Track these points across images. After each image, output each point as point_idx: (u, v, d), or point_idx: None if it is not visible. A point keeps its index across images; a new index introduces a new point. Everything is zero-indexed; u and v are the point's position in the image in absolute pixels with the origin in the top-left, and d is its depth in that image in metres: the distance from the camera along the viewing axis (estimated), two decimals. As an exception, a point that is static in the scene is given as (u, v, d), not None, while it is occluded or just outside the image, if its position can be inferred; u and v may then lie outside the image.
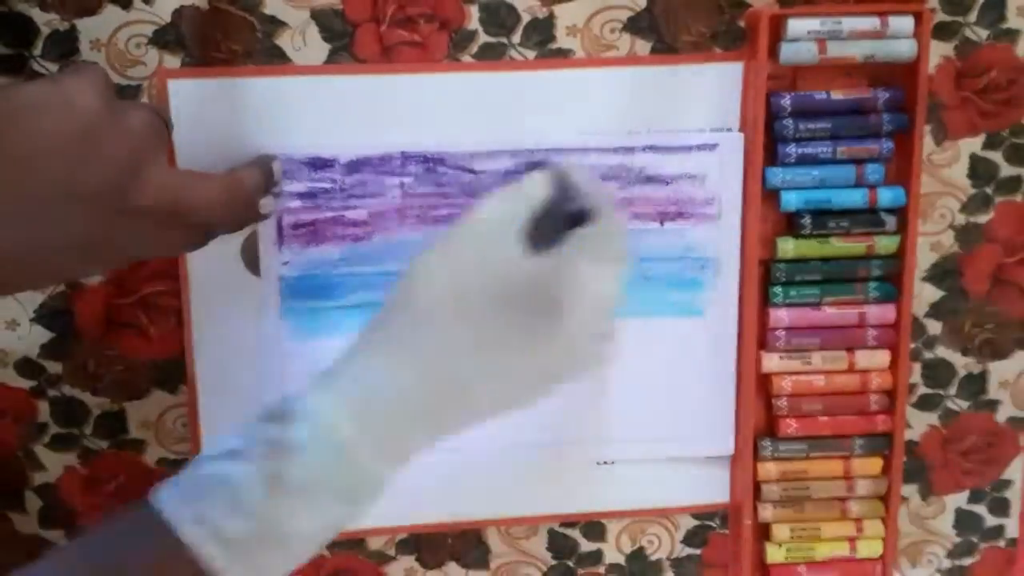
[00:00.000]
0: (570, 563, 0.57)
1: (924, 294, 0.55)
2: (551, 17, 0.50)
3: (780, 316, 0.53)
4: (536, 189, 0.46)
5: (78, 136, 0.37)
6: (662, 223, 0.52)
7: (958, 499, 0.59)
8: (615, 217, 0.46)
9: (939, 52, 0.52)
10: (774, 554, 0.56)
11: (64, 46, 0.48)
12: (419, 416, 0.41)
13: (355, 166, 0.50)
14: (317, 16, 0.49)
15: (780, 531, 0.55)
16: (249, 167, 0.47)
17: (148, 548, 0.38)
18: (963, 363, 0.56)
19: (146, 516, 0.38)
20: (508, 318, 0.42)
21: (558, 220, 0.46)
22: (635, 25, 0.50)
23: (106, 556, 0.38)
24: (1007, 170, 0.54)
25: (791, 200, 0.52)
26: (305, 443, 0.39)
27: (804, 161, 0.51)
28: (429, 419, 0.41)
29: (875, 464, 0.55)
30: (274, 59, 0.49)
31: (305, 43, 0.49)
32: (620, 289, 0.44)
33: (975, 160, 0.54)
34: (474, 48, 0.50)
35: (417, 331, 0.41)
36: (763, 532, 0.56)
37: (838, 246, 0.52)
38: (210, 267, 0.50)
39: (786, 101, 0.51)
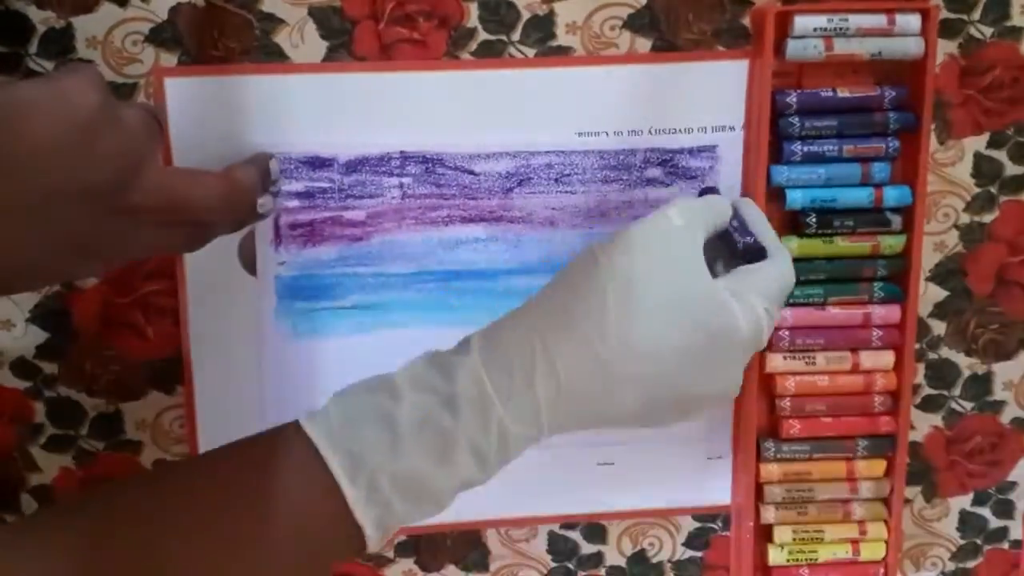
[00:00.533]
0: (570, 565, 0.57)
1: (928, 294, 0.55)
2: (551, 14, 0.50)
3: (784, 315, 0.52)
4: (721, 211, 0.46)
5: (75, 135, 0.37)
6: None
7: (962, 501, 0.58)
8: (788, 263, 0.46)
9: (943, 50, 0.52)
10: (776, 556, 0.55)
11: (60, 44, 0.47)
12: (562, 403, 0.41)
13: (353, 165, 0.49)
14: (315, 13, 0.48)
15: (782, 533, 0.55)
16: (246, 165, 0.46)
17: (293, 478, 0.39)
18: (967, 364, 0.56)
19: (297, 443, 0.40)
20: (677, 327, 0.42)
21: (727, 248, 0.47)
22: (635, 22, 0.50)
23: (249, 473, 0.40)
24: (1012, 169, 0.54)
25: (796, 198, 0.51)
26: (459, 398, 0.40)
27: (810, 159, 0.51)
28: (570, 409, 0.41)
29: (879, 466, 0.54)
30: (271, 57, 0.49)
31: (303, 41, 0.49)
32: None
33: (979, 159, 0.53)
34: (473, 46, 0.50)
35: (585, 316, 0.41)
36: (765, 534, 0.56)
37: (843, 246, 0.52)
38: (207, 267, 0.50)
39: (792, 99, 0.50)
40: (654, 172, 0.51)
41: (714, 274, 0.44)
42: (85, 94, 0.37)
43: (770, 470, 0.54)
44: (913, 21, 0.49)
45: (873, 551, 0.55)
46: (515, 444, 0.41)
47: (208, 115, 0.48)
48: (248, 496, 0.39)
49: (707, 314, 0.42)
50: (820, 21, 0.49)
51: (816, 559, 0.55)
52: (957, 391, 0.56)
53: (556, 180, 0.50)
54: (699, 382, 0.43)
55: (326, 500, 0.39)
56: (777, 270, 0.45)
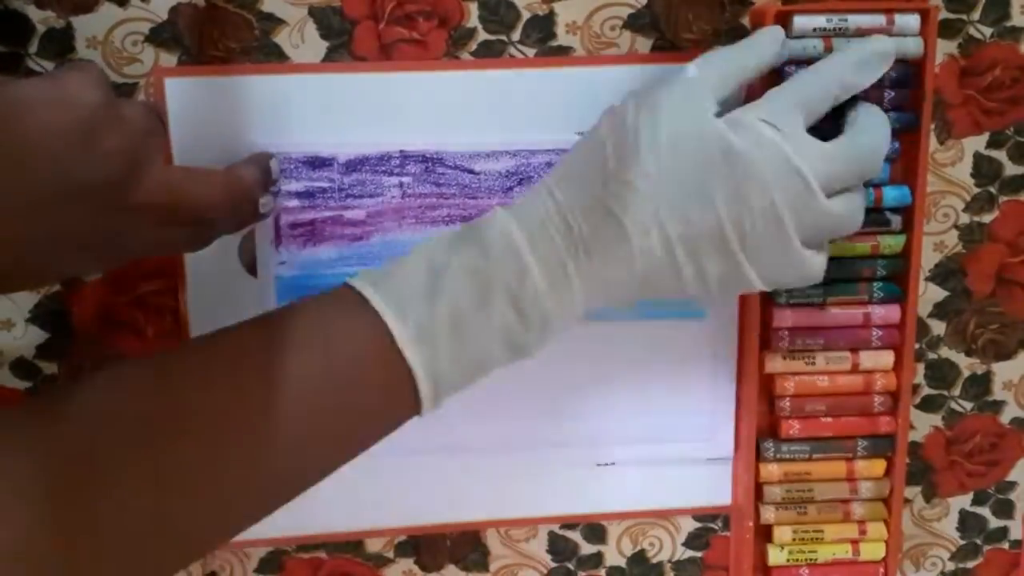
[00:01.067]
0: (570, 565, 0.57)
1: (927, 294, 0.55)
2: (551, 14, 0.50)
3: (784, 316, 0.52)
4: (763, 49, 0.45)
5: (78, 132, 0.37)
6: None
7: (962, 501, 0.58)
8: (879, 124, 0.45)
9: (943, 50, 0.52)
10: (776, 556, 0.55)
11: (60, 44, 0.47)
12: (585, 258, 0.42)
13: (353, 165, 0.49)
14: (315, 13, 0.48)
15: (782, 533, 0.55)
16: (247, 164, 0.46)
17: (341, 322, 0.41)
18: (967, 364, 0.56)
19: (345, 294, 0.42)
20: (674, 162, 0.42)
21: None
22: (635, 22, 0.50)
23: (303, 323, 0.42)
24: (1011, 169, 0.54)
25: (794, 199, 0.51)
26: (492, 248, 0.42)
27: (808, 160, 0.51)
28: (595, 264, 0.43)
29: (878, 466, 0.54)
30: (271, 57, 0.49)
31: (303, 40, 0.49)
32: (857, 205, 0.44)
33: (979, 159, 0.53)
34: (473, 46, 0.50)
35: (589, 166, 0.43)
36: (765, 534, 0.56)
37: (842, 245, 0.52)
38: (208, 266, 0.50)
39: (790, 99, 0.50)
40: None
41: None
42: (87, 92, 0.37)
43: (770, 470, 0.54)
44: (912, 21, 0.49)
45: (873, 551, 0.55)
46: (551, 307, 0.42)
47: (208, 115, 0.48)
48: (294, 338, 0.41)
49: (702, 144, 0.42)
50: (819, 21, 0.49)
51: (816, 559, 0.55)
52: (957, 391, 0.56)
53: (556, 178, 0.50)
54: (722, 218, 0.42)
55: (375, 341, 0.40)
56: (792, 84, 0.44)
